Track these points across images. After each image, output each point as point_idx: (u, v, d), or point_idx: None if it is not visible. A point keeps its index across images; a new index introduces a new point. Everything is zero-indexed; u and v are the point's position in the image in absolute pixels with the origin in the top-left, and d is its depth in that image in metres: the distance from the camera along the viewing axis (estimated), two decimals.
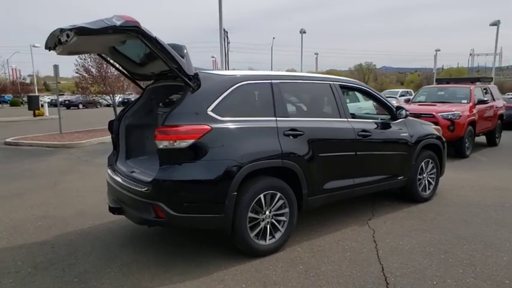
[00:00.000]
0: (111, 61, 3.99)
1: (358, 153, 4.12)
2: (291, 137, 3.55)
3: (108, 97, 14.56)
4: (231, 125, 3.24)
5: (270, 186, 3.40)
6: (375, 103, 4.91)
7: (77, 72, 14.10)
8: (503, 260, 3.33)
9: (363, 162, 4.20)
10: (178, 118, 3.07)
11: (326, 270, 3.19)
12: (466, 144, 8.52)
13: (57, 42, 3.18)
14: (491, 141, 10.44)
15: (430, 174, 5.17)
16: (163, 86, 4.04)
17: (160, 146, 3.03)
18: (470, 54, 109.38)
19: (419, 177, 4.97)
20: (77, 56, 13.37)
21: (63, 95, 48.29)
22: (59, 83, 13.56)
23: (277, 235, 3.52)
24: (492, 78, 11.65)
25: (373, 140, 4.29)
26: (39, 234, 4.10)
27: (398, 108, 4.72)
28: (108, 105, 35.60)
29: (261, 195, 3.35)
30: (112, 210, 3.50)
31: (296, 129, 3.60)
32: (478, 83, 10.13)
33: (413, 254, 3.47)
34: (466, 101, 9.18)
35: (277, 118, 3.54)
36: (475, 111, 9.00)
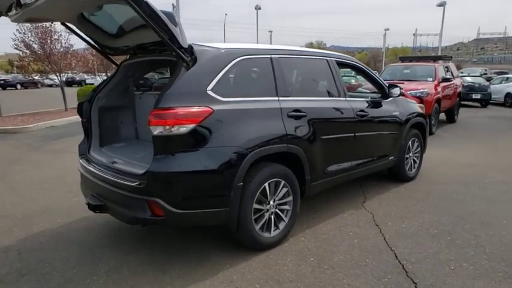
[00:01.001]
0: (79, 32, 3.36)
1: (356, 134, 3.92)
2: (294, 118, 3.23)
3: (55, 76, 13.20)
4: (233, 107, 2.85)
5: (274, 174, 3.09)
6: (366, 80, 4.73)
7: (15, 48, 12.53)
8: (507, 238, 3.35)
9: (360, 143, 4.02)
10: (175, 99, 2.62)
11: (339, 261, 2.98)
12: (433, 122, 8.77)
13: (15, 4, 2.55)
14: (451, 118, 10.91)
15: (415, 153, 5.16)
16: (142, 61, 3.51)
17: (155, 133, 2.58)
18: (414, 34, 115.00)
19: (406, 156, 4.92)
20: (17, 26, 11.87)
21: None
22: None
23: (281, 225, 3.25)
24: (451, 56, 12.11)
25: (369, 120, 4.12)
26: None
27: (391, 86, 4.57)
28: (50, 86, 33.16)
29: (266, 184, 3.04)
30: (93, 208, 3.00)
31: (299, 110, 3.29)
32: (440, 61, 10.43)
33: (420, 237, 3.38)
34: (431, 79, 9.41)
35: (280, 98, 3.20)
36: (439, 89, 9.27)
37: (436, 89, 9.06)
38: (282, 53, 3.38)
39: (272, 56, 3.27)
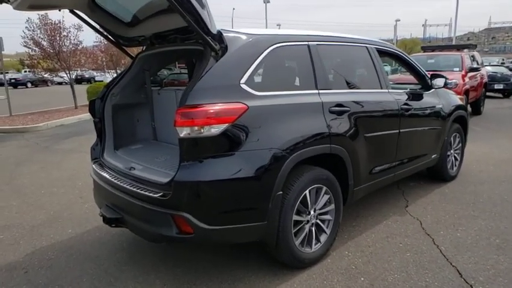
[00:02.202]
0: (90, 21, 2.95)
1: (401, 130, 3.46)
2: (337, 114, 2.79)
3: (64, 74, 12.89)
4: (269, 102, 2.41)
5: (315, 179, 2.65)
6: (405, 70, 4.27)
7: (25, 46, 12.24)
8: None
9: (405, 140, 3.56)
10: (204, 95, 2.19)
11: (395, 281, 2.55)
12: None
13: None
14: (477, 110, 10.31)
15: (456, 149, 4.67)
16: (160, 53, 3.09)
17: (182, 135, 2.16)
18: (423, 25, 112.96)
19: (447, 153, 4.44)
20: (26, 23, 11.56)
21: (7, 73, 43.85)
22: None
23: (323, 238, 2.82)
24: (476, 45, 11.47)
25: (414, 114, 3.65)
26: (3, 253, 3.12)
27: (434, 76, 4.09)
28: (59, 83, 32.98)
29: (306, 192, 2.61)
30: (108, 221, 2.60)
31: (342, 105, 2.84)
32: (465, 50, 9.84)
33: (482, 250, 2.93)
34: (458, 69, 8.85)
35: (320, 91, 2.76)
36: (467, 79, 8.71)
37: (463, 80, 8.50)
38: (320, 40, 2.93)
39: (310, 43, 2.82)
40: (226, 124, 2.18)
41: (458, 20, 28.21)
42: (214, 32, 2.32)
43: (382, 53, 3.66)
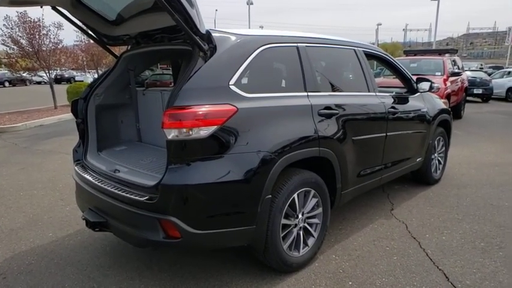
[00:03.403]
0: (73, 19, 2.85)
1: (388, 133, 3.48)
2: (325, 117, 2.78)
3: (44, 73, 12.54)
4: (259, 104, 2.38)
5: (304, 183, 2.63)
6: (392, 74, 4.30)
7: (3, 44, 11.85)
8: None
9: (391, 144, 3.58)
10: (193, 96, 2.14)
11: (383, 285, 2.55)
12: None
13: None
14: (457, 114, 10.53)
15: (440, 153, 4.75)
16: (146, 52, 3.02)
17: (170, 137, 2.10)
18: (404, 30, 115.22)
19: (431, 157, 4.51)
20: (4, 21, 11.20)
21: None
22: None
23: (310, 242, 2.81)
24: (457, 50, 11.74)
25: (400, 118, 3.69)
26: None
27: (420, 80, 4.14)
28: (39, 83, 32.11)
29: (295, 195, 2.58)
30: (92, 225, 2.51)
31: (330, 108, 2.83)
32: (447, 55, 10.06)
33: (467, 253, 2.96)
34: (440, 73, 9.03)
35: (308, 93, 2.74)
36: (448, 83, 8.90)
37: (445, 84, 8.68)
38: (308, 41, 2.91)
39: (299, 44, 2.81)
40: (215, 126, 2.13)
41: (438, 25, 28.86)
42: (203, 31, 2.27)
43: (370, 56, 3.67)
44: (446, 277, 2.63)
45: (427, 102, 4.27)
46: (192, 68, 2.22)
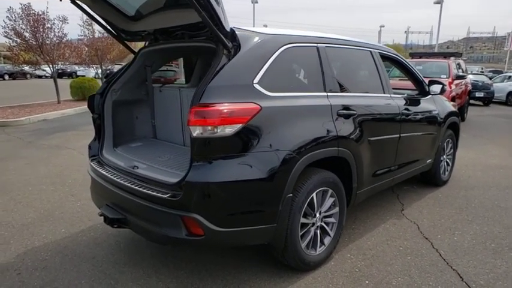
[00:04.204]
0: (91, 12, 2.85)
1: (401, 135, 3.50)
2: (344, 117, 2.79)
3: (47, 67, 12.49)
4: (281, 103, 2.39)
5: (322, 182, 2.65)
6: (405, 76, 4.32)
7: (5, 36, 11.78)
8: None
9: (404, 145, 3.60)
10: (218, 93, 2.14)
11: (399, 285, 2.57)
12: None
13: None
14: (461, 117, 10.53)
15: (448, 155, 4.77)
16: (164, 49, 3.02)
17: (195, 134, 2.10)
18: (405, 32, 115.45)
19: (440, 158, 4.53)
20: (7, 13, 11.17)
21: None
22: None
23: (327, 241, 2.82)
24: (462, 53, 11.78)
25: (413, 120, 3.71)
26: None
27: (432, 82, 4.16)
28: (39, 77, 31.94)
29: (314, 194, 2.60)
30: (110, 221, 2.51)
31: (349, 108, 2.85)
32: (452, 58, 10.09)
33: (479, 254, 2.99)
34: (445, 76, 9.05)
35: (328, 93, 2.76)
36: (453, 86, 8.93)
37: (450, 87, 8.71)
38: (327, 42, 2.92)
39: (318, 44, 2.82)
40: (240, 124, 2.14)
41: (436, 29, 28.89)
42: (228, 29, 2.28)
43: (385, 57, 3.69)
44: (461, 277, 2.66)
45: (438, 104, 4.30)
46: (217, 65, 2.23)
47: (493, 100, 16.18)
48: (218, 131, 2.09)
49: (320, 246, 2.76)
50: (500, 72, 26.11)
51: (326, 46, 2.87)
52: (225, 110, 2.10)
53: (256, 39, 2.43)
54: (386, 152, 3.39)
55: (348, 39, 3.22)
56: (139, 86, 3.24)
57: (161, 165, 2.63)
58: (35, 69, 14.81)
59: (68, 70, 33.16)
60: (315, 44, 2.79)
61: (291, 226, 2.43)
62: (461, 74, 9.54)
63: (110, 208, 2.58)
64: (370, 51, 3.39)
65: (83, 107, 12.09)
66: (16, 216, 3.70)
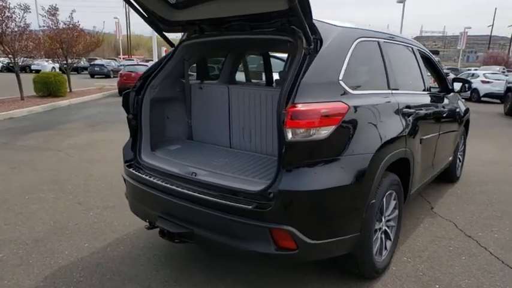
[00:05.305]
0: (132, 1, 2.50)
1: (440, 132, 3.47)
2: (407, 116, 2.69)
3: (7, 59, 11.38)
4: (361, 102, 2.22)
5: (391, 185, 2.52)
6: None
7: None
8: None
9: (441, 142, 3.58)
10: (310, 92, 1.93)
11: (468, 287, 2.51)
12: None
13: None
14: None
15: (460, 151, 4.86)
16: (210, 42, 2.74)
17: (290, 137, 1.88)
18: None
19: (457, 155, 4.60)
20: None
21: None
22: None
23: (388, 245, 2.71)
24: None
25: (446, 117, 3.70)
26: (13, 276, 2.55)
27: (455, 80, 4.18)
28: None
29: (384, 198, 2.47)
30: (171, 236, 2.22)
31: (410, 106, 2.75)
32: None
33: None
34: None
35: (392, 91, 2.63)
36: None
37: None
38: (385, 37, 2.79)
39: (379, 39, 2.68)
40: (334, 126, 1.95)
41: (392, 27, 30.05)
42: (311, 21, 2.06)
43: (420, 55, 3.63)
44: None
45: (459, 101, 4.34)
46: (302, 61, 2.01)
47: None
48: (314, 133, 1.89)
49: (383, 252, 2.64)
50: (456, 69, 27.69)
51: (384, 41, 2.74)
52: (323, 110, 1.90)
53: (335, 32, 2.24)
54: (429, 151, 3.34)
55: (397, 35, 3.11)
56: (174, 82, 2.93)
57: (223, 170, 2.37)
58: None
59: (21, 64, 30.45)
60: (376, 39, 2.65)
61: (369, 233, 2.29)
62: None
63: (166, 221, 2.28)
64: (412, 48, 3.32)
65: (51, 103, 11.21)
66: (24, 230, 3.24)
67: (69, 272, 2.61)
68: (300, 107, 1.86)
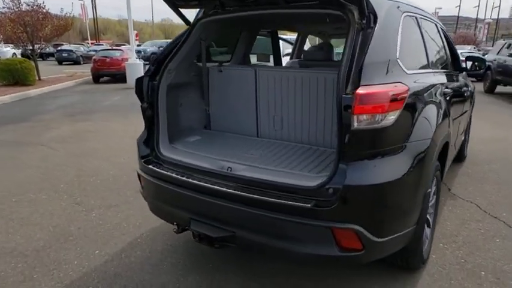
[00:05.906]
0: None
1: (463, 112, 3.35)
2: (445, 96, 2.51)
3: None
4: (416, 83, 2.02)
5: (436, 170, 2.35)
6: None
7: None
8: None
9: (461, 122, 3.46)
10: (373, 72, 1.70)
11: None
12: None
13: None
14: None
15: (467, 130, 4.81)
16: (226, 19, 2.43)
17: (356, 125, 1.64)
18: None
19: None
20: None
21: None
22: None
23: (428, 232, 2.56)
24: None
25: (465, 96, 3.58)
26: None
27: (469, 58, 4.05)
28: None
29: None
30: (211, 241, 1.96)
31: (447, 86, 2.57)
32: None
33: None
34: None
35: (434, 70, 2.44)
36: None
37: None
38: (420, 13, 2.57)
39: (417, 15, 2.46)
40: (399, 110, 1.73)
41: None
42: None
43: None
44: None
45: (469, 81, 4.25)
46: (357, 37, 1.76)
47: None
48: (382, 119, 1.66)
49: (426, 241, 2.50)
50: None
51: (420, 17, 2.52)
52: (392, 93, 1.67)
53: (386, 5, 1.99)
54: (456, 131, 3.21)
55: (425, 11, 2.90)
56: (190, 65, 2.61)
57: (262, 164, 2.11)
58: None
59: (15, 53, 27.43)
60: (414, 14, 2.43)
61: (423, 225, 2.12)
62: None
63: (202, 223, 2.01)
64: (436, 24, 3.13)
65: (21, 93, 10.40)
66: (18, 239, 2.87)
67: (84, 285, 2.31)
68: (369, 89, 1.62)
